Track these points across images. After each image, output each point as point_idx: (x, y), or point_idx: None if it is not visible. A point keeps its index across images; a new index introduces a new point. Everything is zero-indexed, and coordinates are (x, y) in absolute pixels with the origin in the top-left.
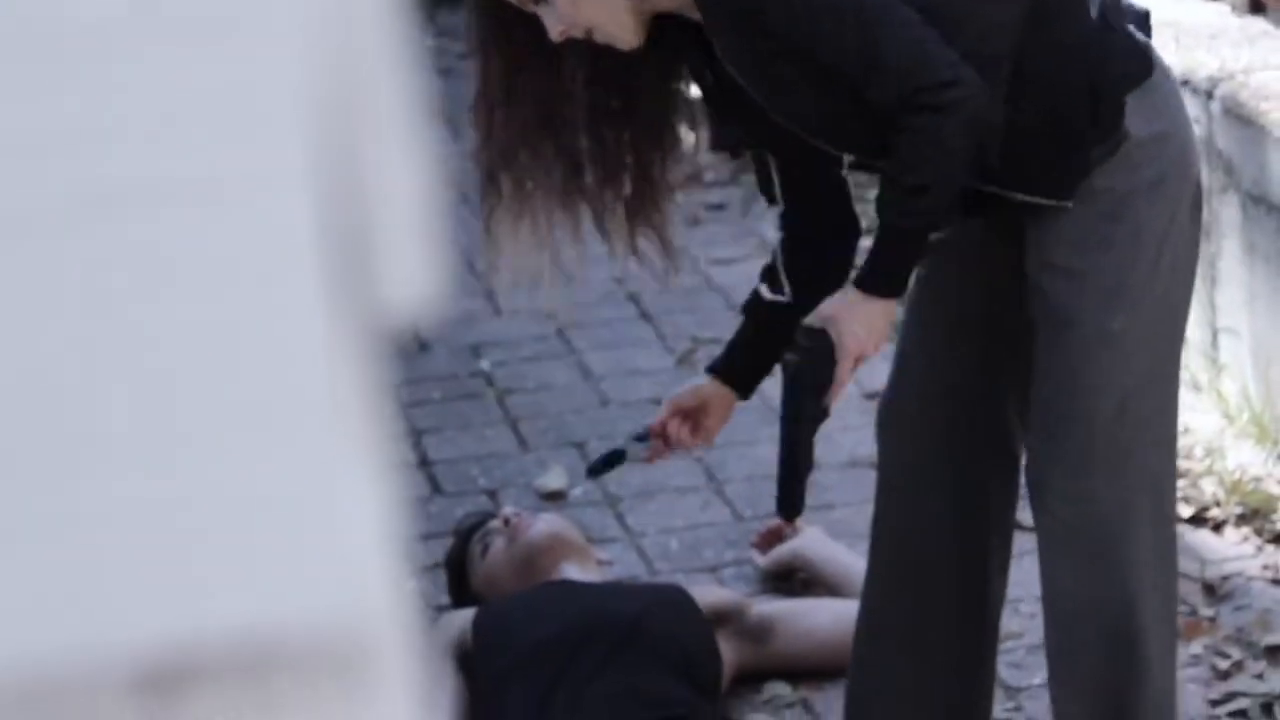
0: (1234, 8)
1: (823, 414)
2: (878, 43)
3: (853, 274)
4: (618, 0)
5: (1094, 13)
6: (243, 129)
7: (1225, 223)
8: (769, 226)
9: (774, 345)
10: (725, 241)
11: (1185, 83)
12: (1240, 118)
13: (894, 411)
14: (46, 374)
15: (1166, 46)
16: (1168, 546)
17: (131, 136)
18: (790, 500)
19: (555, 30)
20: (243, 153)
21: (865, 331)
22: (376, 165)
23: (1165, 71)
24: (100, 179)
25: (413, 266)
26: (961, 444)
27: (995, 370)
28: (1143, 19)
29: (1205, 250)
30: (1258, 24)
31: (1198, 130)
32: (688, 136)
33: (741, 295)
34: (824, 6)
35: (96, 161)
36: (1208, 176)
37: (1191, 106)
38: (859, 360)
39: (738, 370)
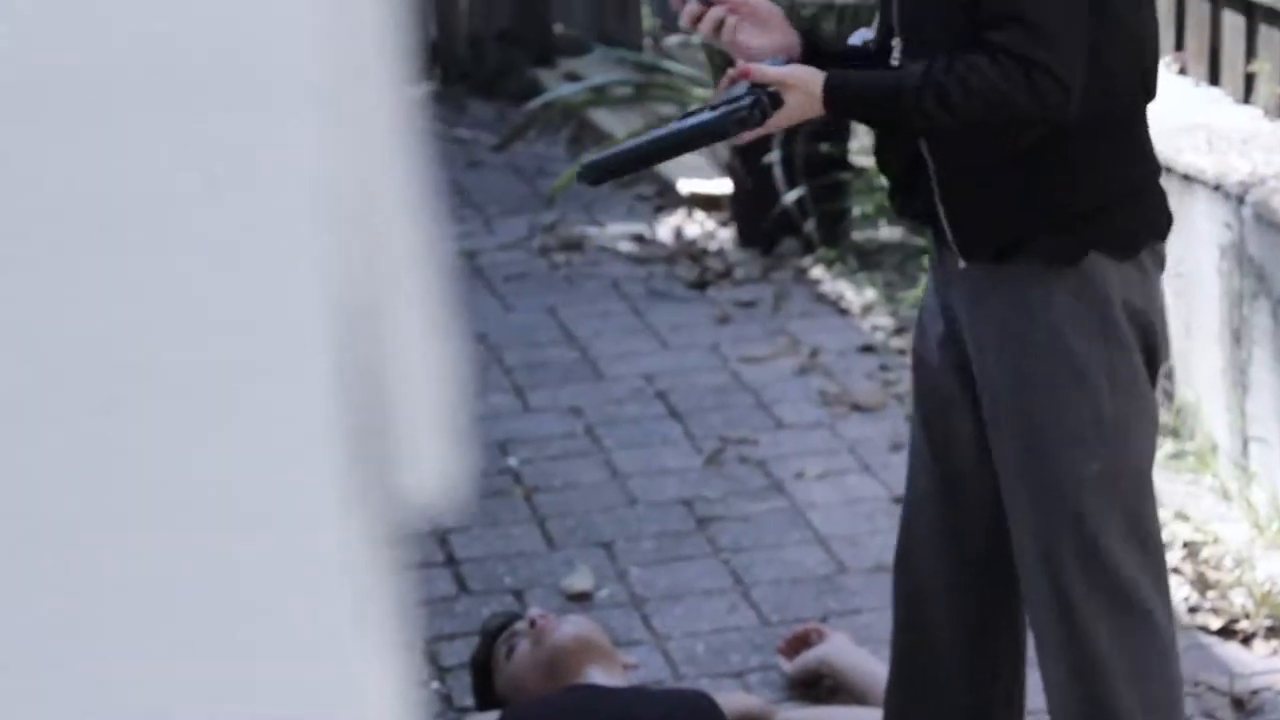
0: (1266, 112)
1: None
2: None
3: (826, 67)
4: None
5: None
6: (268, 322)
7: (1256, 329)
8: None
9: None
10: (755, 339)
11: (1217, 187)
12: (1272, 224)
13: (906, 563)
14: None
15: (1199, 150)
16: (1140, 639)
17: (159, 326)
18: (605, 167)
19: None
20: (266, 345)
21: (797, 115)
22: (399, 356)
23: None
24: (129, 368)
25: (433, 457)
26: (971, 579)
27: (997, 509)
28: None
29: (1235, 357)
30: None
31: (1228, 235)
32: None
33: (772, 393)
34: None
35: (126, 351)
36: (1238, 282)
37: (1222, 212)
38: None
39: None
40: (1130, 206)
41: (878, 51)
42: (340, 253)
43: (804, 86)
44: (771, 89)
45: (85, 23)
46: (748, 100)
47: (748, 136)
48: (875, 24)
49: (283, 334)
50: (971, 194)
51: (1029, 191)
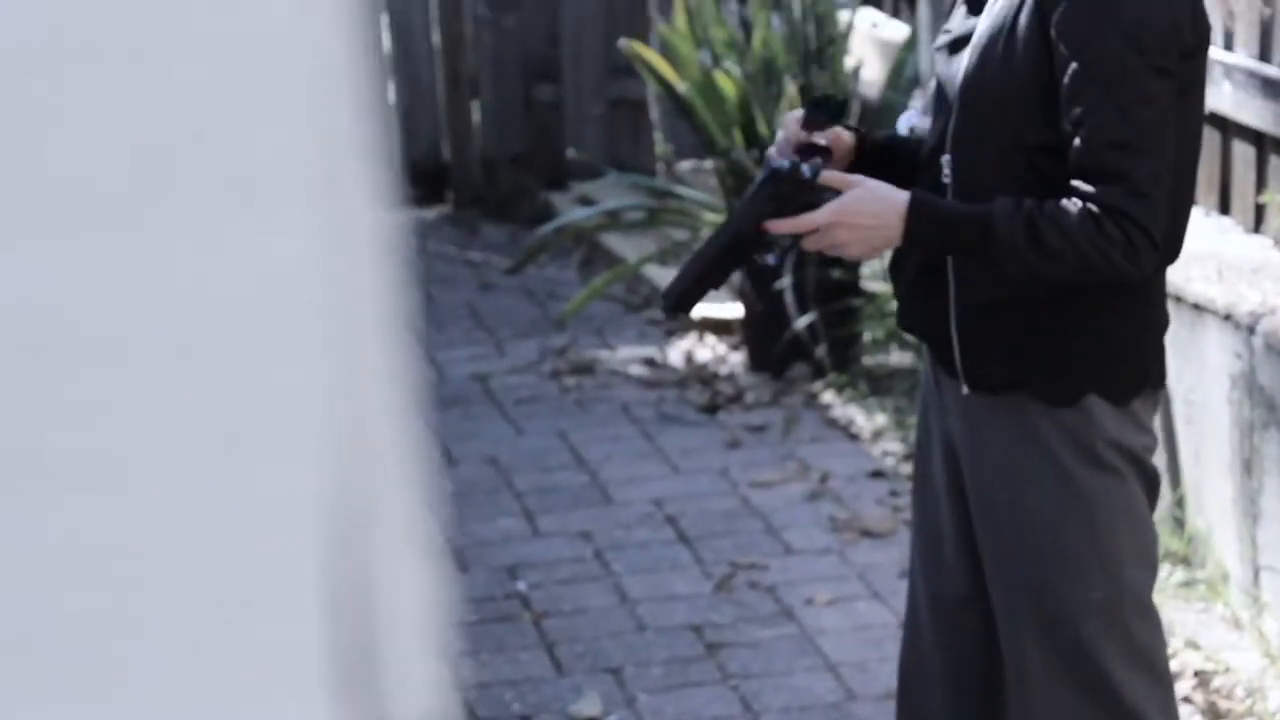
0: (1276, 242)
1: (765, 246)
2: (1142, 140)
3: (914, 192)
4: None
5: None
6: (257, 539)
7: (1267, 459)
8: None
9: (894, 161)
10: (765, 464)
11: (1227, 317)
12: None
13: (907, 691)
14: None
15: (1209, 279)
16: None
17: (151, 546)
18: (678, 290)
19: None
20: (256, 562)
21: (859, 234)
22: (387, 578)
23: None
24: (121, 596)
25: (419, 680)
26: (973, 709)
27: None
28: None
29: (1246, 487)
30: None
31: (1239, 365)
32: None
33: (782, 519)
34: (1143, 85)
35: (113, 577)
36: (1249, 412)
37: (1233, 342)
38: (824, 243)
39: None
40: (1134, 358)
41: (927, 163)
42: (337, 457)
43: (874, 192)
44: (817, 159)
45: None
46: (786, 164)
47: (799, 224)
48: (922, 110)
49: (275, 545)
50: (990, 328)
51: (1048, 333)
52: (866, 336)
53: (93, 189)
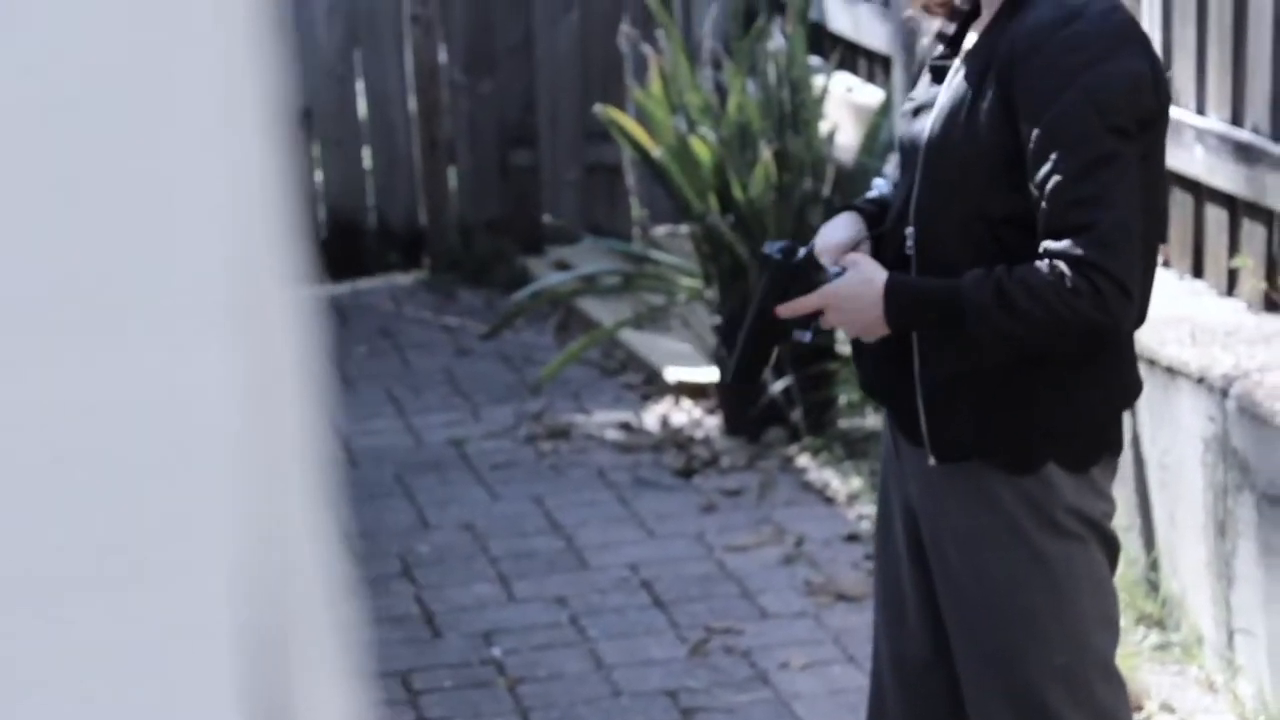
0: (1250, 305)
1: (795, 324)
2: (1104, 195)
3: (894, 277)
4: None
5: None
6: (174, 669)
7: (1240, 522)
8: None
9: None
10: (740, 528)
11: (1201, 380)
12: (1256, 417)
13: None
14: None
15: (1183, 342)
16: None
17: (60, 673)
18: (739, 365)
19: None
20: (175, 693)
21: (848, 317)
22: (306, 704)
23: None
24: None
25: None
26: None
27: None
28: None
29: (1220, 549)
30: (1273, 322)
31: (1212, 428)
32: None
33: (757, 583)
34: (1104, 145)
35: (21, 707)
36: (1222, 475)
37: (1205, 405)
38: (829, 323)
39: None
40: (1095, 427)
41: (891, 234)
42: (253, 585)
43: (861, 273)
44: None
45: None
46: (777, 250)
47: (802, 304)
48: (893, 178)
49: (191, 674)
50: (955, 398)
51: (1011, 403)
52: (842, 400)
53: (5, 318)
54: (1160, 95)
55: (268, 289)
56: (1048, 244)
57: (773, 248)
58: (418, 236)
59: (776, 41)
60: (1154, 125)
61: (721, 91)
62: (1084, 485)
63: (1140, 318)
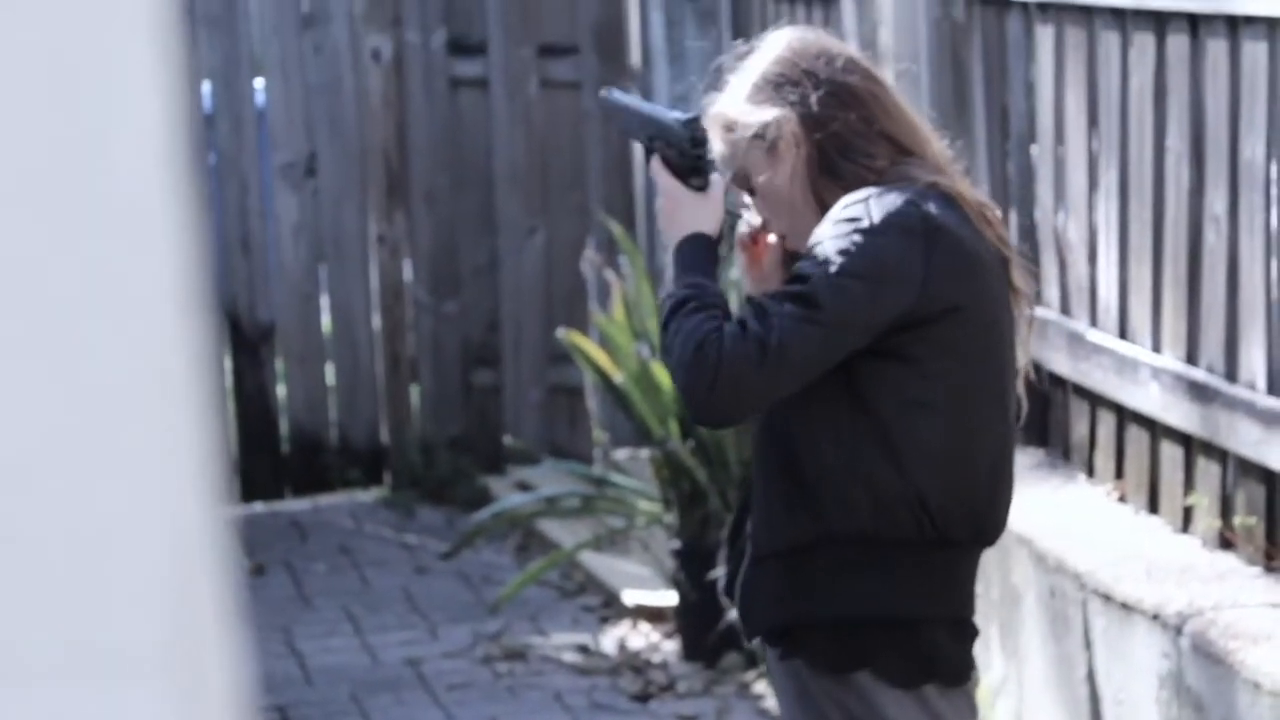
0: (1205, 543)
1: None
2: (812, 290)
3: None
4: (802, 216)
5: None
6: None
7: None
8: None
9: None
10: None
11: (1155, 617)
12: (1209, 655)
13: None
14: None
15: (1137, 579)
16: None
17: None
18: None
19: (757, 218)
20: None
21: (664, 219)
22: None
23: None
24: None
25: None
26: None
27: None
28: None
29: None
30: (1227, 560)
31: (1166, 665)
32: None
33: None
34: (840, 273)
35: None
36: (1176, 712)
37: (1160, 642)
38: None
39: None
40: (915, 639)
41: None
42: None
43: (707, 203)
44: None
45: None
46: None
47: (656, 165)
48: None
49: None
50: (763, 576)
51: (801, 585)
52: None
53: None
54: (934, 296)
55: (204, 630)
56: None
57: (687, 116)
58: (379, 453)
59: (737, 271)
60: (934, 324)
61: None
62: (910, 707)
63: (987, 527)
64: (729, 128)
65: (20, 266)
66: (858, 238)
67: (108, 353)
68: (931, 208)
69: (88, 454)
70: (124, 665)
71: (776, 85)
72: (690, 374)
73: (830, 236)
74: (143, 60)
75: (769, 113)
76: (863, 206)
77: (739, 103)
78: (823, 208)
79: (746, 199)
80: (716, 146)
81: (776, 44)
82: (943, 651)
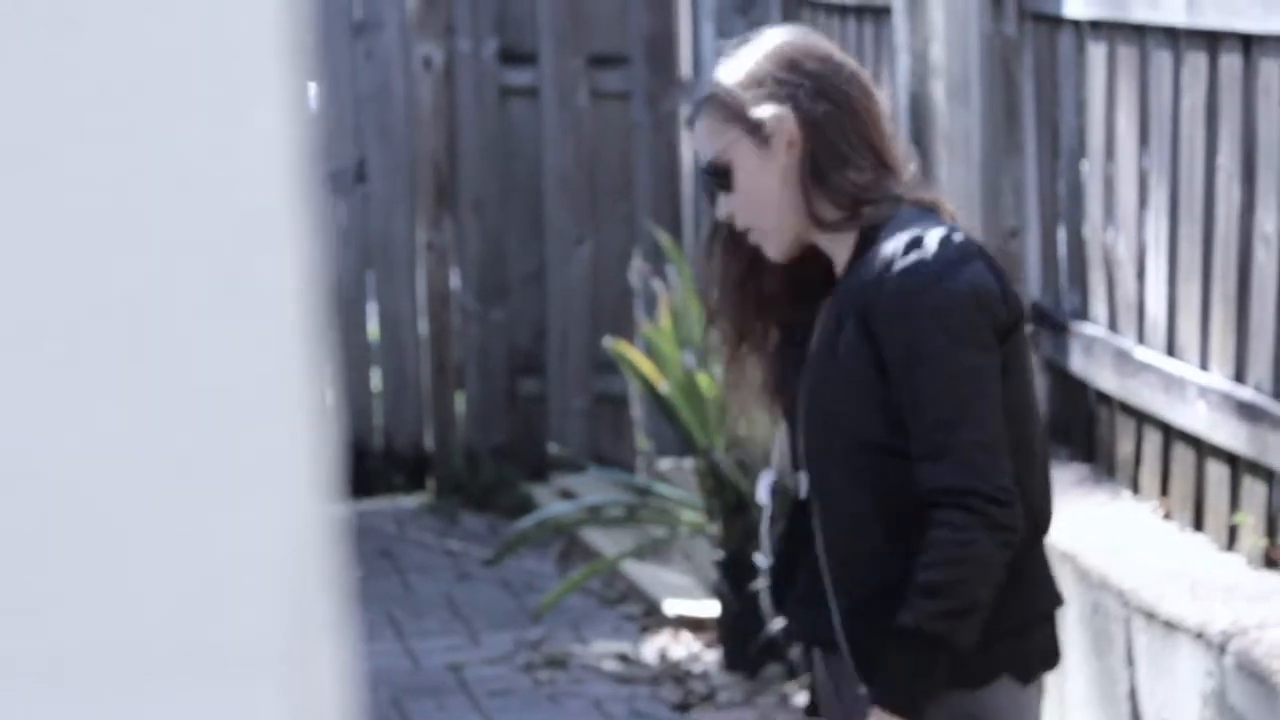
0: (1250, 562)
1: None
2: (962, 413)
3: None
4: (785, 219)
5: None
6: None
7: None
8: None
9: None
10: None
11: (1199, 636)
12: (1254, 674)
13: None
14: None
15: (1181, 597)
16: None
17: None
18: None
19: (722, 212)
20: None
21: None
22: None
23: None
24: None
25: None
26: None
27: None
28: None
29: None
30: (1273, 579)
31: (1210, 684)
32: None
33: None
34: (957, 361)
35: None
36: None
37: (1204, 660)
38: None
39: None
40: (1034, 636)
41: (781, 493)
42: None
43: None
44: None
45: None
46: None
47: None
48: (774, 464)
49: None
50: (863, 618)
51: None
52: None
53: (76, 661)
54: (1011, 306)
55: (322, 646)
56: (922, 477)
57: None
58: (423, 460)
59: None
60: (1010, 335)
61: None
62: (1030, 696)
63: (1044, 525)
64: (725, 115)
65: (148, 271)
66: (932, 301)
67: (231, 354)
68: (953, 231)
69: (209, 454)
70: (244, 664)
71: (778, 81)
72: (982, 567)
73: (914, 328)
74: (269, 64)
75: (769, 107)
76: (913, 265)
77: (738, 91)
78: (806, 212)
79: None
80: (705, 134)
81: (777, 40)
82: (1054, 640)
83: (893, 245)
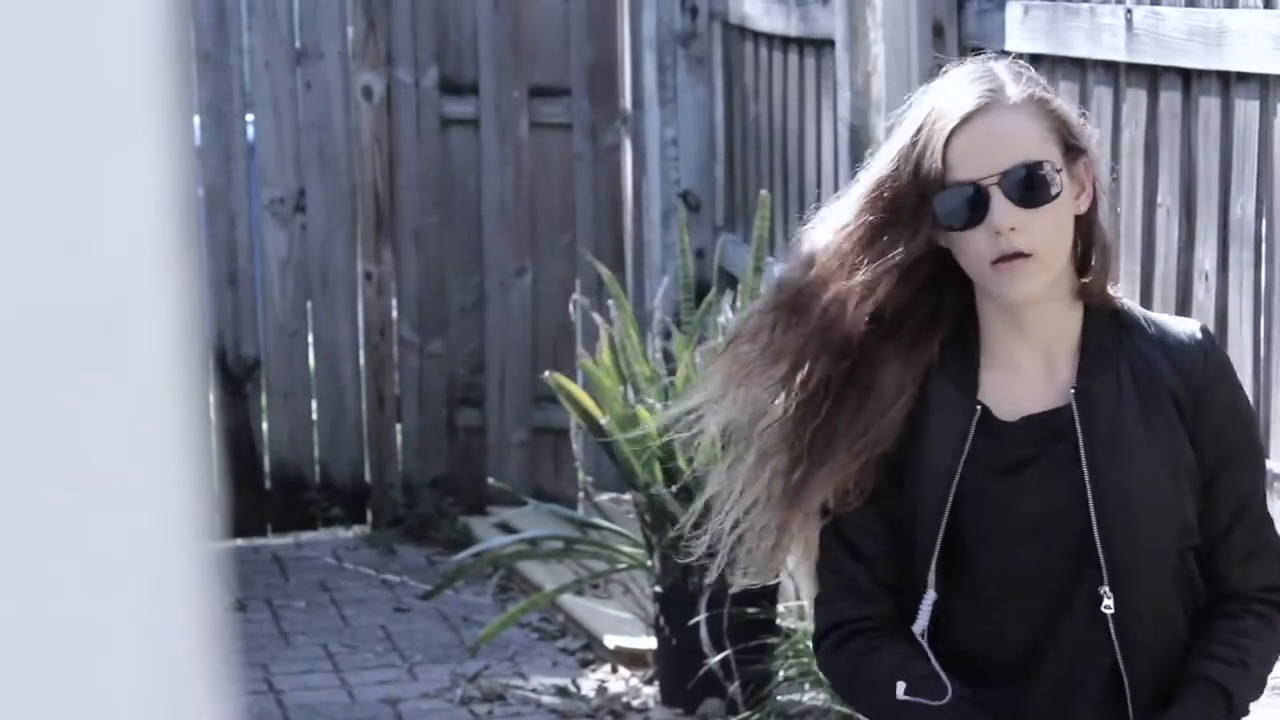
0: None
1: None
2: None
3: None
4: (1063, 262)
5: None
6: None
7: None
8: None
9: None
10: None
11: None
12: None
13: None
14: None
15: None
16: None
17: None
18: None
19: (1010, 221)
20: None
21: None
22: None
23: None
24: None
25: None
26: None
27: None
28: None
29: None
30: None
31: None
32: None
33: None
34: (1264, 460)
35: None
36: None
37: None
38: None
39: None
40: None
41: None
42: None
43: None
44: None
45: None
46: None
47: None
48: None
49: None
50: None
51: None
52: (780, 674)
53: None
54: None
55: (187, 670)
56: (1242, 577)
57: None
58: (362, 491)
59: (726, 315)
60: None
61: (670, 362)
62: None
63: None
64: (1051, 125)
65: (13, 307)
66: (1245, 400)
67: (95, 390)
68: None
69: (71, 491)
70: (107, 707)
71: (1073, 125)
72: None
73: (1245, 422)
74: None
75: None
76: (1225, 357)
77: (1067, 108)
78: (1075, 267)
79: (1005, 211)
80: (1018, 129)
81: (1047, 89)
82: None
83: (1185, 327)
